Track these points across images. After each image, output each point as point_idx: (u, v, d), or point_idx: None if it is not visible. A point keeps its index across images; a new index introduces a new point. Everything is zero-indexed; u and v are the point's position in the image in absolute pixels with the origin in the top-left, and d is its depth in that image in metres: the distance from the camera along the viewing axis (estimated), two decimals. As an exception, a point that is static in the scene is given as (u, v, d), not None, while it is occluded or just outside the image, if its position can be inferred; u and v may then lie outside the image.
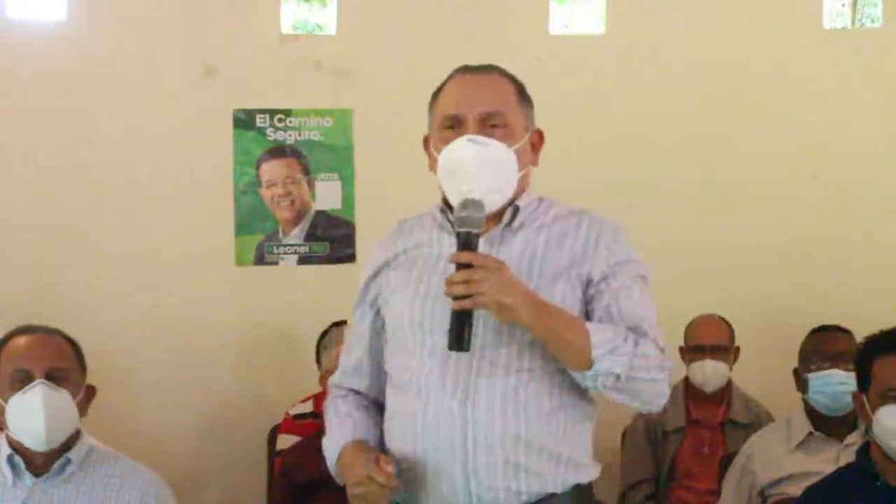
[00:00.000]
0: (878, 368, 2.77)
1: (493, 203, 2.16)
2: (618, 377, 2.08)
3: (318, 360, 4.12)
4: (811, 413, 3.60)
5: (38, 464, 2.68)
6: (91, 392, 2.77)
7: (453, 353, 2.10)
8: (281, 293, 4.52)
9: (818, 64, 4.68)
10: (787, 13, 4.70)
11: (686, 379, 4.21)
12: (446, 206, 2.24)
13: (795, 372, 3.70)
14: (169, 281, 4.45)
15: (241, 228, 4.54)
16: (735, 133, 4.64)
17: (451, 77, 2.29)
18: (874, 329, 2.89)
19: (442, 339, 2.09)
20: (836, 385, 3.46)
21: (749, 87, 4.64)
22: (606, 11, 4.75)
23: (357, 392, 2.34)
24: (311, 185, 4.58)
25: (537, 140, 2.31)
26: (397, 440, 2.20)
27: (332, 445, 2.26)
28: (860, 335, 3.01)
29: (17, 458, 2.67)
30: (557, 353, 2.10)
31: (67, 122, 4.46)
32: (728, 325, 4.23)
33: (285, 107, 4.55)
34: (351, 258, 4.57)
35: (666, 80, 4.63)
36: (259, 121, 4.55)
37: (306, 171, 4.57)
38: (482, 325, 2.11)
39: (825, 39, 4.78)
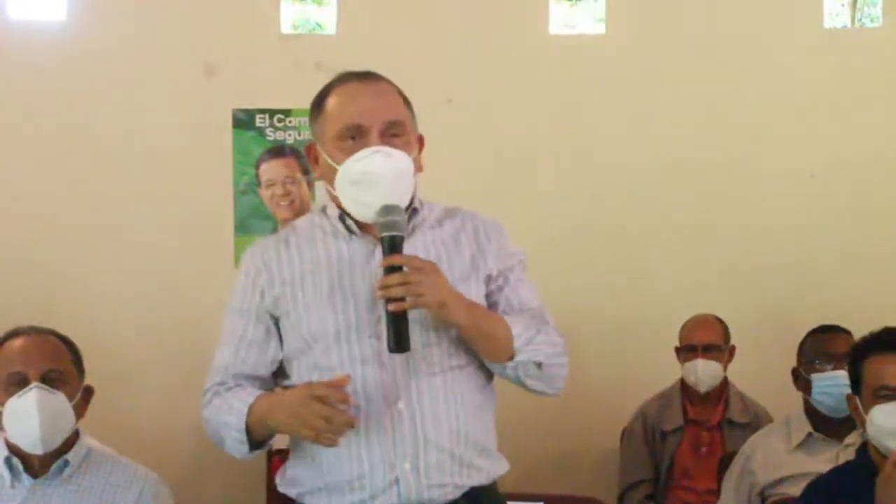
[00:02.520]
0: (868, 369, 2.78)
1: None
2: (539, 365, 2.18)
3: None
4: (811, 413, 3.59)
5: (36, 465, 2.67)
6: (89, 393, 2.75)
7: (387, 358, 2.12)
8: (280, 293, 4.51)
9: (818, 63, 4.67)
10: (786, 13, 4.70)
11: (683, 379, 4.22)
12: (344, 213, 2.22)
13: (794, 371, 3.70)
14: (168, 281, 4.46)
15: (241, 228, 4.54)
16: (735, 133, 4.64)
17: (337, 85, 2.27)
18: (874, 328, 2.90)
19: (372, 345, 2.13)
20: (841, 387, 3.45)
21: (749, 86, 4.64)
22: (606, 11, 4.75)
23: (244, 379, 2.27)
24: (310, 185, 4.57)
25: (421, 146, 2.31)
26: (335, 452, 2.14)
27: (236, 405, 2.20)
28: (860, 335, 3.01)
29: (15, 460, 2.66)
30: (482, 347, 2.17)
31: (67, 121, 4.46)
32: (722, 324, 4.23)
33: (285, 107, 4.56)
34: (351, 258, 4.56)
35: (665, 79, 4.63)
36: (258, 121, 4.56)
37: (306, 171, 4.56)
38: (413, 326, 2.11)
39: (825, 39, 4.78)
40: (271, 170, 4.56)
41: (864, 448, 2.84)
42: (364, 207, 2.16)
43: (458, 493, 2.16)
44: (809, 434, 3.56)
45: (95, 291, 4.41)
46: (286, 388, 2.25)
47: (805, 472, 3.39)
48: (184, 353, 4.45)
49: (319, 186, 4.67)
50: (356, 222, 2.22)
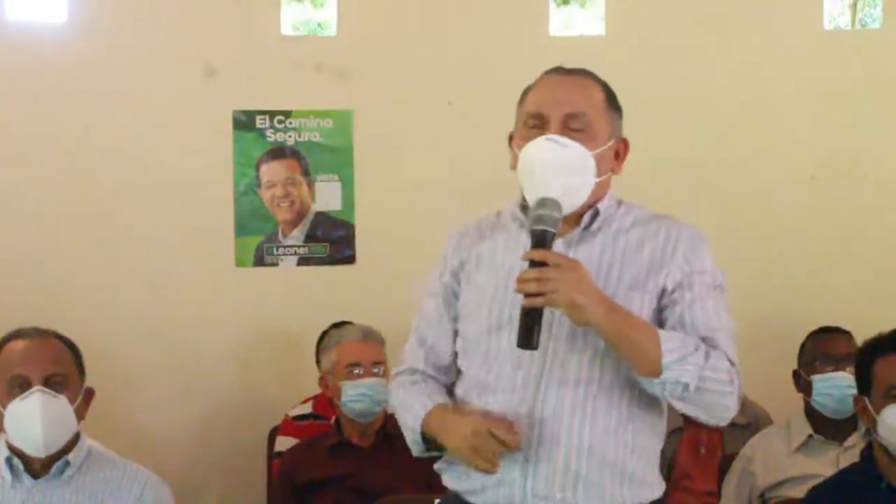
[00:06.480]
0: (880, 369, 2.79)
1: (567, 205, 2.13)
2: (686, 387, 2.05)
3: (318, 362, 4.11)
4: (811, 415, 3.60)
5: (36, 466, 2.68)
6: (90, 395, 2.76)
7: (525, 358, 2.09)
8: (281, 294, 4.51)
9: (818, 64, 4.67)
10: (787, 14, 4.70)
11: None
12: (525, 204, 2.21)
13: (795, 373, 3.70)
14: (168, 282, 4.45)
15: (241, 230, 4.54)
16: (734, 133, 4.64)
17: (542, 76, 2.28)
18: (874, 330, 2.90)
19: (511, 342, 2.07)
20: (843, 388, 3.46)
21: (749, 87, 4.64)
22: (606, 13, 4.75)
23: (429, 377, 2.28)
24: (310, 186, 4.57)
25: (622, 148, 2.28)
26: None
27: (415, 408, 2.20)
28: (859, 336, 3.01)
29: (16, 461, 2.67)
30: (628, 358, 2.07)
31: (67, 123, 4.46)
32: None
33: (285, 108, 4.55)
34: (350, 259, 4.57)
35: (666, 81, 4.63)
36: (259, 122, 4.55)
37: (306, 173, 4.57)
38: (556, 330, 2.09)
39: (825, 40, 4.78)
40: (271, 171, 4.57)
41: (869, 450, 2.84)
42: (531, 195, 2.14)
43: None
44: (810, 436, 3.56)
45: (95, 292, 4.41)
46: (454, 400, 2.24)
47: (806, 474, 3.40)
48: (184, 354, 4.45)
49: (320, 187, 4.69)
50: None
